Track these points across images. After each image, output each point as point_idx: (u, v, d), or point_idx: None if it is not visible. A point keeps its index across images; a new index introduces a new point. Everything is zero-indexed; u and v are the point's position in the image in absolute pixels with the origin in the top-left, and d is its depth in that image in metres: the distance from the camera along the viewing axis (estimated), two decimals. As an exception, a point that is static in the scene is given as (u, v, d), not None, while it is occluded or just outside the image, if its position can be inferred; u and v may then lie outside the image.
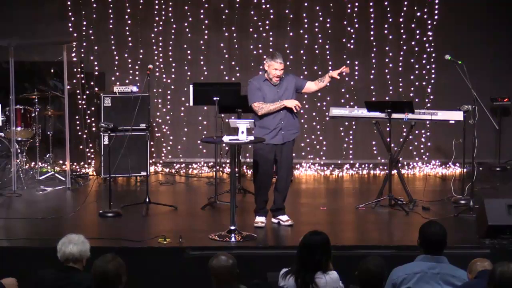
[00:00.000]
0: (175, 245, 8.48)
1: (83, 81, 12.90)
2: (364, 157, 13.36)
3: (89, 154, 12.85)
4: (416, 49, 13.27)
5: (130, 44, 13.07)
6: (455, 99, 11.48)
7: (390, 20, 13.20)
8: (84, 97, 12.89)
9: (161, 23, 13.09)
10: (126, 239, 8.65)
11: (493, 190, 11.50)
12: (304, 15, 13.20)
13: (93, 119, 12.81)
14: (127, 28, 13.03)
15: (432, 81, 13.33)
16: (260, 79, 9.36)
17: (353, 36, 13.24)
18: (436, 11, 13.19)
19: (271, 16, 13.16)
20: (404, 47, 13.26)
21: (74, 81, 12.78)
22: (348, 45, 13.24)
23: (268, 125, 9.22)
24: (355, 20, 13.20)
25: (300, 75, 13.11)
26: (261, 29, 13.17)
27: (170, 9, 13.09)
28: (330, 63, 13.23)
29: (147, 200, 10.13)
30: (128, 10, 13.00)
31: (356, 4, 13.15)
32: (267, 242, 8.93)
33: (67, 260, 6.04)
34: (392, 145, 10.66)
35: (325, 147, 13.35)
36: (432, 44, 13.24)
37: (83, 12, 12.91)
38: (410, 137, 11.88)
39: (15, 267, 7.64)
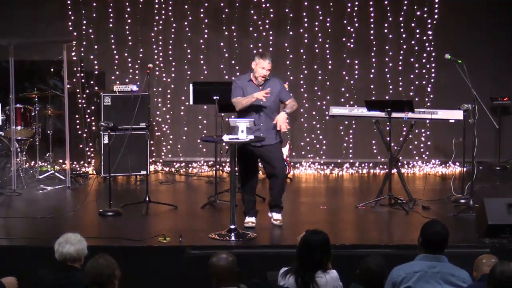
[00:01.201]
0: (175, 244, 8.48)
1: (83, 80, 12.91)
2: (364, 156, 13.35)
3: (89, 153, 12.85)
4: (416, 48, 13.26)
5: (130, 43, 13.07)
6: (455, 98, 11.48)
7: (390, 19, 13.20)
8: (84, 96, 12.89)
9: (161, 22, 13.09)
10: (126, 238, 8.65)
11: (493, 189, 11.51)
12: (304, 14, 13.20)
13: (93, 118, 12.81)
14: (127, 27, 13.02)
15: (432, 80, 13.32)
16: (245, 79, 9.26)
17: (353, 35, 13.23)
18: (436, 10, 13.19)
19: (271, 15, 13.15)
20: (404, 46, 13.26)
21: (74, 80, 12.78)
22: (348, 44, 13.24)
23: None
24: (355, 19, 13.19)
25: (300, 74, 13.17)
26: (261, 28, 13.16)
27: (170, 8, 13.08)
28: (330, 62, 13.24)
29: (147, 199, 10.13)
30: (128, 9, 13.00)
31: (356, 3, 13.14)
32: (266, 241, 8.93)
33: (65, 260, 6.05)
34: (392, 144, 10.65)
35: (325, 146, 13.34)
36: (432, 43, 13.23)
37: (83, 11, 12.91)
38: (410, 136, 11.87)
39: (15, 266, 7.64)
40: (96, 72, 13.02)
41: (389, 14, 13.19)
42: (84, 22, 12.93)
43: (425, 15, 13.21)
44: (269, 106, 9.20)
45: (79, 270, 6.01)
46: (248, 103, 9.06)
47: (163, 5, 13.06)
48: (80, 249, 6.07)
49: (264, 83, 9.21)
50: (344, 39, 13.24)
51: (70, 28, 12.88)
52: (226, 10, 13.13)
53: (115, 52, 13.03)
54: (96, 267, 5.37)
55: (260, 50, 9.43)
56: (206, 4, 13.10)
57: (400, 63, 13.29)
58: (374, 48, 13.28)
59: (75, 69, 12.78)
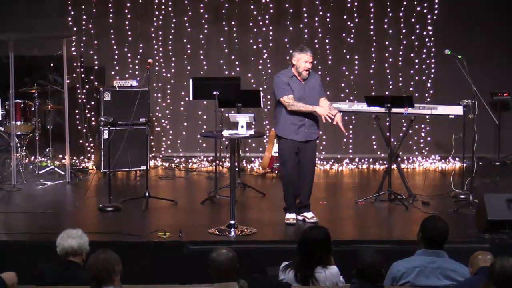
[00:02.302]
0: (175, 239, 8.48)
1: (82, 76, 12.90)
2: (364, 151, 13.36)
3: (88, 149, 12.86)
4: (416, 43, 13.26)
5: (130, 38, 13.06)
6: (455, 93, 11.49)
7: (390, 14, 13.20)
8: (84, 91, 12.89)
9: (160, 17, 13.08)
10: (125, 233, 8.65)
11: (492, 185, 11.51)
12: (304, 9, 13.20)
13: (93, 113, 12.81)
14: (126, 22, 13.02)
15: (432, 75, 13.32)
16: (288, 74, 9.15)
17: (353, 30, 13.23)
18: (436, 6, 13.19)
19: (271, 11, 13.15)
20: (404, 42, 13.26)
21: (74, 75, 12.78)
22: (348, 39, 13.24)
23: (292, 121, 9.08)
24: (355, 15, 13.19)
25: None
26: (261, 23, 13.16)
27: (170, 3, 13.08)
28: (330, 57, 13.24)
29: (147, 194, 10.11)
30: (128, 4, 13.00)
31: (356, -2, 13.17)
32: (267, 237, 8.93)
33: (67, 254, 6.05)
34: (392, 139, 10.65)
35: (325, 142, 13.35)
36: (432, 38, 13.23)
37: (83, 7, 12.92)
38: (410, 131, 11.87)
39: (14, 261, 7.65)
40: (96, 68, 13.02)
41: (389, 10, 13.19)
42: (84, 17, 12.92)
43: (425, 11, 13.20)
44: (313, 101, 9.14)
45: (80, 266, 6.02)
46: (306, 111, 9.05)
47: (163, 0, 13.05)
48: (81, 244, 6.07)
49: (307, 80, 9.15)
50: (344, 35, 13.24)
51: (70, 23, 12.88)
52: (226, 5, 13.12)
53: (115, 47, 13.03)
54: (96, 262, 5.35)
55: (301, 45, 9.28)
56: (206, -1, 13.12)
57: (400, 58, 13.29)
58: (374, 44, 13.28)
59: (74, 64, 12.78)
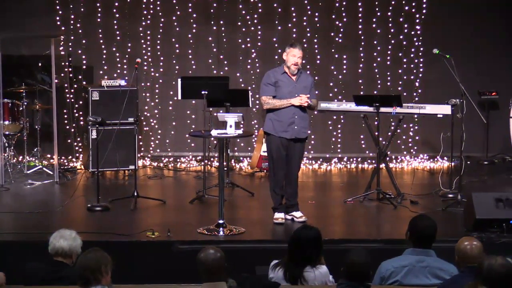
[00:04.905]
0: (164, 239, 8.48)
1: (71, 75, 12.87)
2: (352, 151, 13.37)
3: (77, 148, 12.82)
4: (404, 43, 13.29)
5: (118, 38, 13.04)
6: (443, 93, 11.51)
7: (378, 14, 13.22)
8: (72, 91, 12.86)
9: (149, 16, 13.06)
10: (114, 233, 8.64)
11: (481, 184, 11.54)
12: (293, 8, 13.20)
13: (81, 113, 12.77)
14: (115, 21, 12.99)
15: (420, 75, 13.35)
16: (278, 72, 9.26)
17: (341, 30, 13.24)
18: (424, 5, 13.21)
19: (260, 10, 13.14)
20: (392, 41, 13.27)
21: (62, 75, 12.74)
22: (337, 39, 13.24)
23: (281, 118, 9.12)
24: (343, 14, 13.20)
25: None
26: (249, 22, 13.16)
27: (158, 2, 13.06)
28: (318, 56, 13.25)
29: (135, 194, 10.11)
30: (116, 4, 12.97)
31: (344, -3, 13.18)
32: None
33: (57, 254, 6.05)
34: (380, 139, 10.67)
35: (313, 141, 13.35)
36: (420, 38, 13.26)
37: (71, 6, 12.88)
38: (398, 131, 11.90)
39: (2, 261, 7.61)
40: (84, 67, 12.99)
41: (377, 9, 13.21)
42: (72, 16, 12.89)
43: (413, 10, 13.22)
44: None
45: (69, 266, 6.01)
46: (282, 107, 9.11)
47: (151, 0, 13.03)
48: (73, 245, 6.06)
49: (298, 75, 9.19)
50: (332, 34, 13.25)
51: (58, 23, 12.84)
52: (215, 4, 13.11)
53: (103, 46, 13.00)
54: (82, 261, 5.34)
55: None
56: (194, -1, 13.10)
57: (388, 58, 13.31)
58: (363, 43, 13.29)
59: (63, 63, 12.74)
